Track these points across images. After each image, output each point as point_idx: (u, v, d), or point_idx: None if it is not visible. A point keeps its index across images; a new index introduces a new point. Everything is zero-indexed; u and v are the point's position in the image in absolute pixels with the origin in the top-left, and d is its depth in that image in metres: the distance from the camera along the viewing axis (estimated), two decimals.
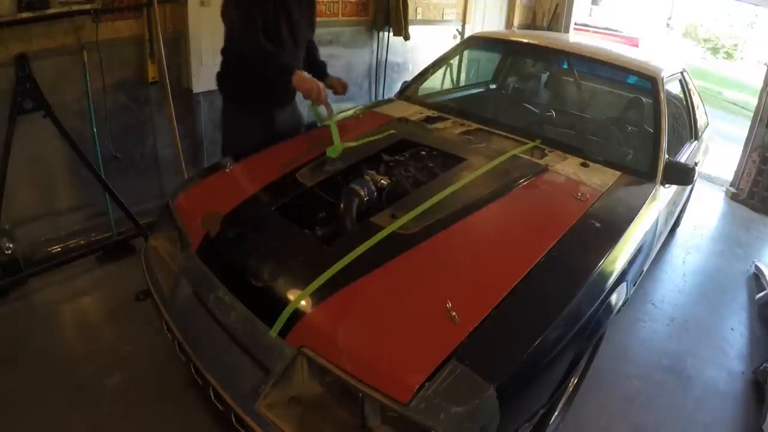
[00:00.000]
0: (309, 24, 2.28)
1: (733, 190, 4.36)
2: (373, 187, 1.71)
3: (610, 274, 1.51)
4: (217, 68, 2.18)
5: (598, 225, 1.64)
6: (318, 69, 2.41)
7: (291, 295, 1.28)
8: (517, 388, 1.14)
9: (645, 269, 1.98)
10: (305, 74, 2.02)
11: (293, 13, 2.11)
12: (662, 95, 2.22)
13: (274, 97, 2.20)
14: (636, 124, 2.55)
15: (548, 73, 3.10)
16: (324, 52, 3.54)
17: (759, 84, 4.29)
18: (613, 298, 1.52)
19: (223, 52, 2.15)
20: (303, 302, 1.25)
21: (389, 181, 1.78)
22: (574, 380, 1.80)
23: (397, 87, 2.87)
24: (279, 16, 2.05)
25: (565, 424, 1.77)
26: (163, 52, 2.55)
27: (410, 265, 1.37)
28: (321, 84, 1.99)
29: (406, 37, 3.88)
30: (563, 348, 1.27)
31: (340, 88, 2.39)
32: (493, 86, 3.21)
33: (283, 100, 2.27)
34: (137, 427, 1.69)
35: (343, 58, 3.76)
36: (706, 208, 4.15)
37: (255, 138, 2.11)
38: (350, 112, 2.51)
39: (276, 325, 1.23)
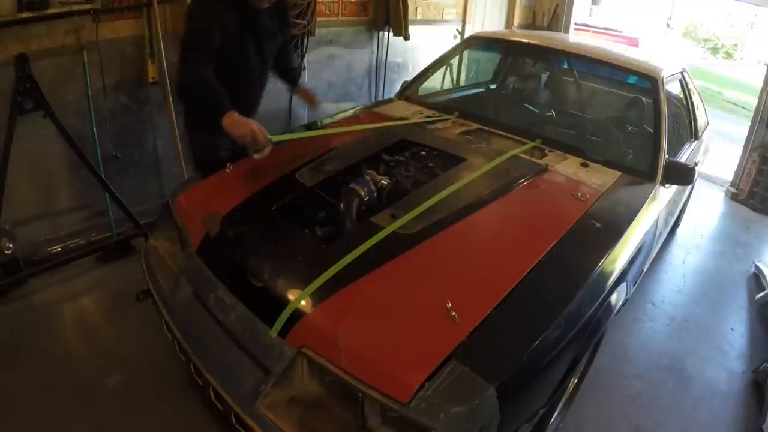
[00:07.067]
0: (281, 34, 2.07)
1: (733, 190, 4.36)
2: (373, 187, 1.71)
3: (610, 274, 1.51)
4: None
5: (598, 225, 1.64)
6: (290, 77, 2.24)
7: (291, 295, 1.28)
8: (518, 388, 1.14)
9: (645, 269, 1.98)
10: (238, 117, 1.69)
11: (262, 26, 1.93)
12: (662, 95, 2.22)
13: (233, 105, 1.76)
14: (636, 124, 2.54)
15: (548, 73, 3.10)
16: (324, 52, 3.59)
17: (759, 84, 4.29)
18: (613, 298, 1.52)
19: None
20: (303, 302, 1.25)
21: (389, 181, 1.78)
22: (574, 380, 1.80)
23: (397, 87, 2.87)
24: (245, 31, 1.87)
25: (565, 424, 1.77)
26: (163, 52, 2.55)
27: (410, 265, 1.38)
28: (256, 127, 1.69)
29: (406, 37, 3.88)
30: (563, 348, 1.27)
31: (310, 101, 2.23)
32: (493, 86, 3.21)
33: (246, 110, 1.88)
34: (137, 427, 1.69)
35: (343, 58, 3.76)
36: (706, 208, 4.15)
37: (223, 152, 1.95)
38: (350, 112, 2.51)
39: (276, 325, 1.23)
